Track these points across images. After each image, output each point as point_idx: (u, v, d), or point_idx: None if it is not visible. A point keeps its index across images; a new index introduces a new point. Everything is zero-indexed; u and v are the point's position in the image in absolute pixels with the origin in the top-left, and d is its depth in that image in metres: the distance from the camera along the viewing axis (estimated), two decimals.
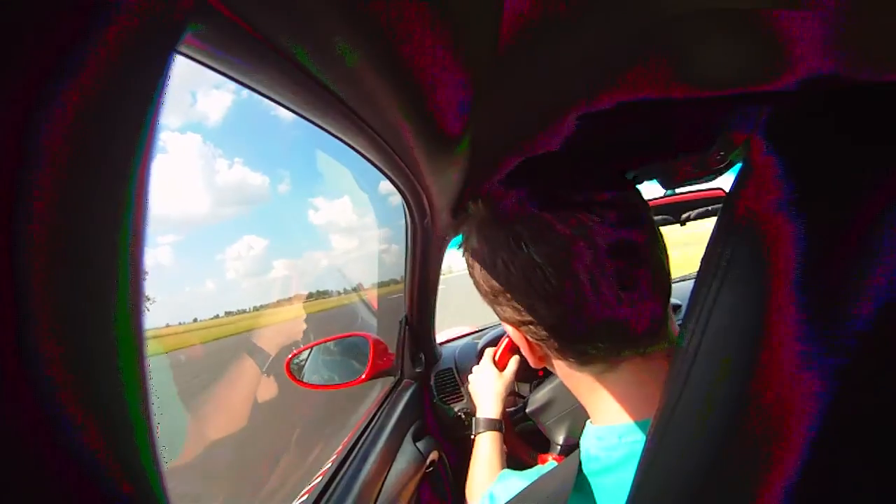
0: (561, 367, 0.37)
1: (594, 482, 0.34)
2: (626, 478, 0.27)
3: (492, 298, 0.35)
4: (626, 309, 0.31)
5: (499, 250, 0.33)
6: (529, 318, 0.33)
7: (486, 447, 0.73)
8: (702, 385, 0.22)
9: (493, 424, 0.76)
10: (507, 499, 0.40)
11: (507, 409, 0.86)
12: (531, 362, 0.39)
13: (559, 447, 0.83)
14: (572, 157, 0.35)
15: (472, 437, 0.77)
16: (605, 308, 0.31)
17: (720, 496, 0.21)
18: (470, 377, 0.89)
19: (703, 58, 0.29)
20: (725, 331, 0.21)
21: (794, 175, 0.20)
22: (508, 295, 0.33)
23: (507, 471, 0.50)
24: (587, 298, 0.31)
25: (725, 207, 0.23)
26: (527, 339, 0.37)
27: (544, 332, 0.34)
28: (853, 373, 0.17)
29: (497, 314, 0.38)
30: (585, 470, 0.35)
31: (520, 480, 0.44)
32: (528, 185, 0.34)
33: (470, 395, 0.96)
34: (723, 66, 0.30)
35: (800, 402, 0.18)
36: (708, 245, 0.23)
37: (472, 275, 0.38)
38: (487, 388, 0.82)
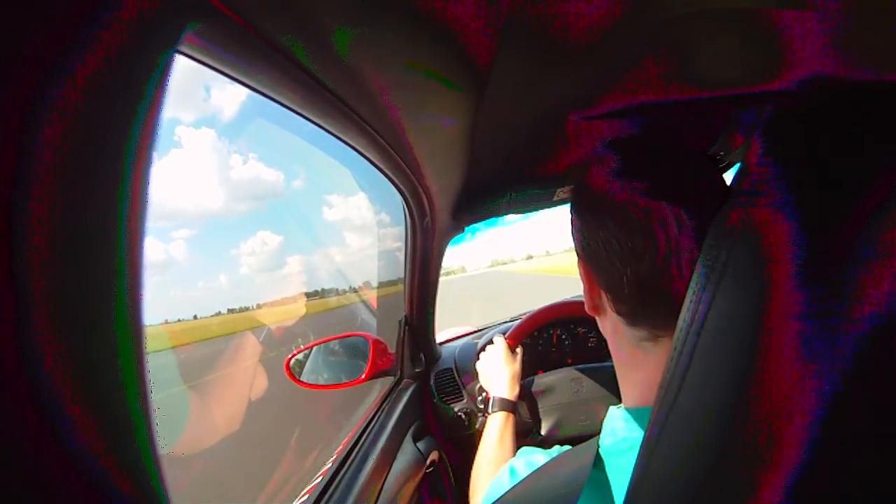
0: (612, 322, 0.39)
1: (610, 462, 0.36)
2: None
3: (586, 235, 0.39)
4: (683, 287, 0.33)
5: (607, 201, 0.37)
6: (607, 262, 0.36)
7: (498, 427, 0.73)
8: (697, 389, 0.22)
9: (507, 405, 0.76)
10: (529, 472, 0.41)
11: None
12: (587, 306, 0.42)
13: (540, 437, 0.83)
14: (671, 145, 0.38)
15: (486, 415, 0.77)
16: (669, 281, 0.33)
17: (717, 498, 0.21)
18: (482, 355, 0.89)
19: (705, 58, 0.29)
20: (722, 334, 0.21)
21: (791, 177, 0.20)
22: (601, 234, 0.37)
23: (527, 447, 0.50)
24: (656, 267, 0.34)
25: (722, 209, 0.23)
26: (594, 283, 0.39)
27: (613, 280, 0.37)
28: (854, 374, 0.17)
29: (579, 252, 0.41)
30: (604, 450, 0.37)
31: (542, 455, 0.45)
32: (640, 171, 0.37)
33: (470, 395, 0.96)
34: (724, 67, 0.30)
35: (799, 406, 0.18)
36: (704, 247, 0.23)
37: (572, 212, 0.42)
38: (502, 370, 0.82)
